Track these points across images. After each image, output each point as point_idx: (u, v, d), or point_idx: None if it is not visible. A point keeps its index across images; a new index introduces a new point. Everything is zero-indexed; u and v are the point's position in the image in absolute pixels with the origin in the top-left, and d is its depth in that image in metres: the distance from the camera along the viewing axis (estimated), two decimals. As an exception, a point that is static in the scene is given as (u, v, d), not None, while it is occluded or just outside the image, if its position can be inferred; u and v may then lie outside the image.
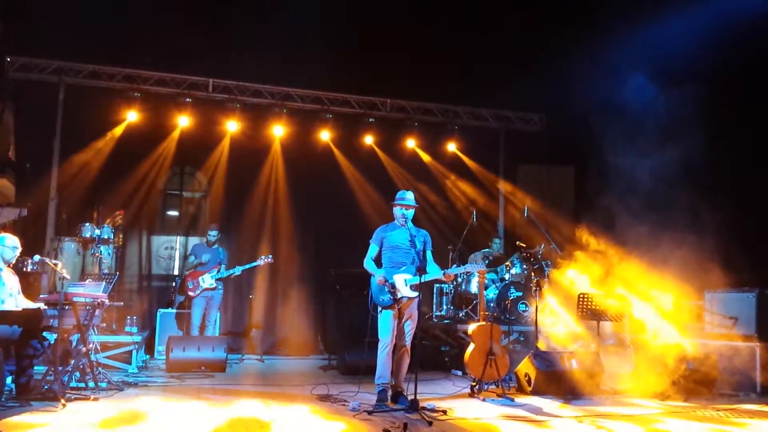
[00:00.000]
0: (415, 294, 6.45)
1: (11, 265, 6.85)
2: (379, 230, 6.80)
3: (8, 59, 10.33)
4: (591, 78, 9.61)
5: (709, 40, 8.95)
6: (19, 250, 6.83)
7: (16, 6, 9.74)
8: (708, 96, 9.40)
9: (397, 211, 6.72)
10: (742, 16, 8.89)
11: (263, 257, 9.80)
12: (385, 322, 6.50)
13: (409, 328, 6.54)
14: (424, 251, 6.64)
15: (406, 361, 6.56)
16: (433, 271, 6.58)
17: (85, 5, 9.40)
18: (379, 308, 6.55)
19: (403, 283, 6.48)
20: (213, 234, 9.84)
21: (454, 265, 6.66)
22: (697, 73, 9.17)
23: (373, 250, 6.72)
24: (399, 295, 6.45)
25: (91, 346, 7.22)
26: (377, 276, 6.51)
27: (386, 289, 6.45)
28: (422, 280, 6.33)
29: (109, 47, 10.34)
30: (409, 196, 6.78)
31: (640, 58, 9.50)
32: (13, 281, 6.77)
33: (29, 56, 10.43)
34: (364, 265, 6.71)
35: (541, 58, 10.57)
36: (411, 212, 6.70)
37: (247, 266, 9.78)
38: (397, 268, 6.57)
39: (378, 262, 6.75)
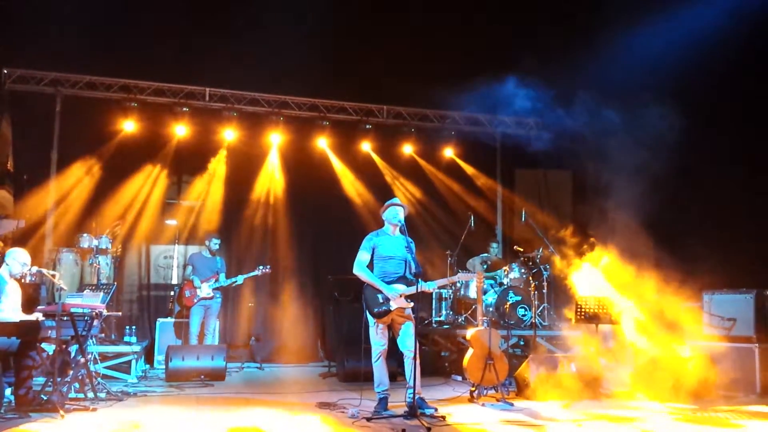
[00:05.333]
0: (410, 304, 6.35)
1: (17, 279, 6.87)
2: (370, 237, 6.60)
3: (5, 71, 10.36)
4: (587, 81, 9.64)
5: (704, 48, 9.02)
6: (28, 266, 6.84)
7: (12, 17, 9.77)
8: (704, 97, 9.45)
9: (389, 212, 6.57)
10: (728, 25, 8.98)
11: (261, 267, 9.75)
12: (377, 332, 6.44)
13: (409, 332, 6.35)
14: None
15: (416, 366, 6.26)
16: (422, 282, 6.30)
17: (81, 16, 9.43)
18: (372, 318, 6.46)
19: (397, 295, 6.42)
20: (215, 242, 9.82)
21: (457, 273, 6.60)
22: (692, 77, 9.23)
23: (364, 257, 6.53)
24: (393, 307, 6.36)
25: (89, 356, 7.23)
26: (389, 292, 6.33)
27: (380, 299, 6.38)
28: (418, 290, 6.18)
29: (105, 58, 10.38)
30: (398, 198, 6.76)
31: (635, 61, 9.54)
32: (16, 294, 6.79)
33: (26, 68, 10.45)
34: (359, 273, 6.47)
35: (537, 62, 10.58)
36: (403, 216, 6.58)
37: (246, 276, 9.77)
38: (391, 279, 6.46)
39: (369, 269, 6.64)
